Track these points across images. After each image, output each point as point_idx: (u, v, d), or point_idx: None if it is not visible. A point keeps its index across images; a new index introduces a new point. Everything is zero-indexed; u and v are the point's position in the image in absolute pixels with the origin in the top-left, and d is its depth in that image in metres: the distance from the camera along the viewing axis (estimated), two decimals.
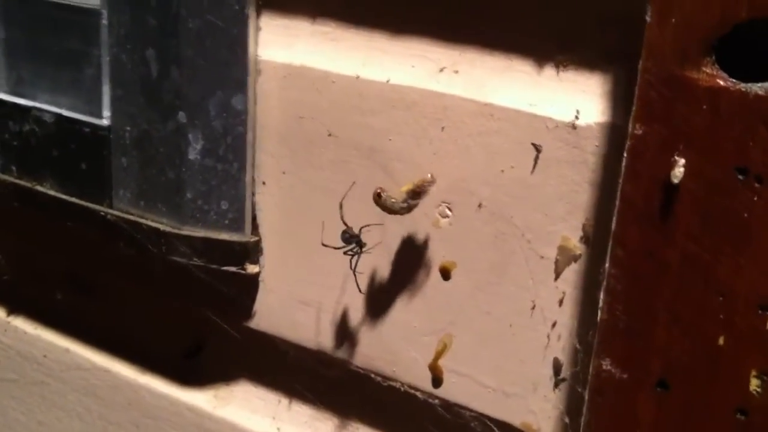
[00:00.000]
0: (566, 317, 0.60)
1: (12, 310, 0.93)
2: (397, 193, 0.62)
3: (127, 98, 0.72)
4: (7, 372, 0.94)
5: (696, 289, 0.50)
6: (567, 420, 0.60)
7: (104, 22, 0.71)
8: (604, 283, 0.53)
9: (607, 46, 0.56)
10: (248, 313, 0.75)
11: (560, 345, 0.61)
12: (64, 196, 0.77)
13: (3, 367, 0.94)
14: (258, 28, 0.69)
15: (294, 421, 0.77)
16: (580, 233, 0.59)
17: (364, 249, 0.65)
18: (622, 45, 0.55)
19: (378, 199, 0.61)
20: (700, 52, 0.48)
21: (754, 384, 0.50)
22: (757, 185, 0.48)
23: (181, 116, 0.69)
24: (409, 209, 0.62)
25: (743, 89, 0.47)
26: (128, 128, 0.72)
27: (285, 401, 0.77)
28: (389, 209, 0.61)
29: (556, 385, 0.60)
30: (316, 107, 0.67)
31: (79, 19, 0.73)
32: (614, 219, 0.52)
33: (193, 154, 0.69)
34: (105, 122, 0.73)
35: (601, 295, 0.54)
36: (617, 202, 0.52)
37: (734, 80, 0.47)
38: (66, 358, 0.89)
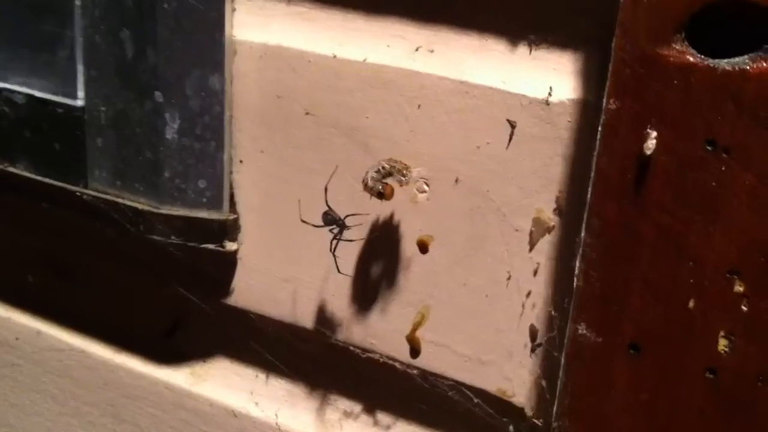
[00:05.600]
0: (541, 286, 0.63)
1: None
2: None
3: (101, 79, 0.72)
4: None
5: (667, 256, 0.53)
6: (544, 383, 0.62)
7: (77, 3, 0.71)
8: (580, 251, 0.56)
9: (578, 26, 0.58)
10: (226, 291, 0.76)
11: (535, 313, 0.63)
12: (38, 177, 0.77)
13: None
14: (233, 9, 0.70)
15: (271, 396, 0.78)
16: (554, 205, 0.61)
17: (344, 232, 0.66)
18: (593, 24, 0.57)
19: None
20: (672, 31, 0.50)
21: (722, 344, 0.53)
22: (724, 156, 0.50)
23: (158, 96, 0.69)
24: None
25: (712, 65, 0.50)
26: (103, 108, 0.72)
27: (262, 376, 0.79)
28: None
29: (532, 351, 0.63)
30: (293, 86, 0.68)
31: (51, 1, 0.73)
32: (590, 190, 0.55)
33: (170, 134, 0.70)
34: (79, 103, 0.74)
35: (577, 264, 0.56)
36: (592, 174, 0.55)
37: (703, 57, 0.50)
38: (38, 340, 0.89)
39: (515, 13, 0.60)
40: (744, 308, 0.52)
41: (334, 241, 0.66)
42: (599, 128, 0.54)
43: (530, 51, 0.60)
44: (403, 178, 0.64)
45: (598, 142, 0.54)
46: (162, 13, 0.68)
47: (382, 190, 0.63)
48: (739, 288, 0.52)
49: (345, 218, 0.66)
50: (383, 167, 0.64)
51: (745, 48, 0.49)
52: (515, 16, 0.60)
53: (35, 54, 0.75)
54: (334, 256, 0.67)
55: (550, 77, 0.59)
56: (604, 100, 0.53)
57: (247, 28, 0.70)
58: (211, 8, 0.68)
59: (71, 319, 0.87)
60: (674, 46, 0.50)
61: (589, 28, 0.58)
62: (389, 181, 0.64)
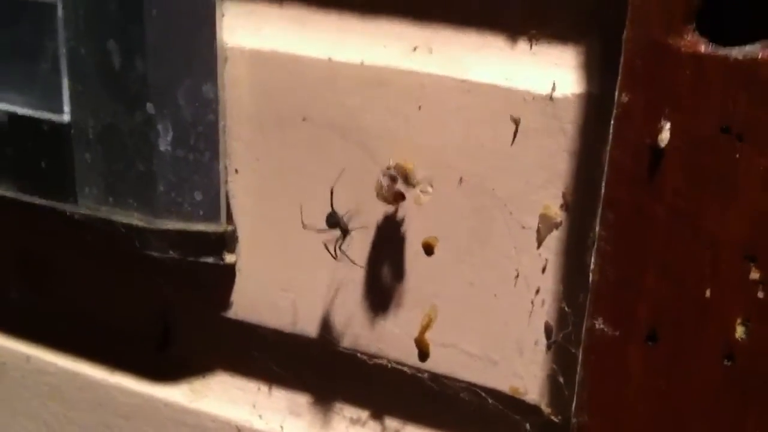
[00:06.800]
0: (549, 282, 0.62)
1: None
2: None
3: (88, 92, 0.70)
4: None
5: (684, 245, 0.53)
6: (561, 380, 0.62)
7: (59, 15, 0.69)
8: (595, 245, 0.56)
9: (578, 19, 0.58)
10: (225, 303, 0.75)
11: (545, 310, 0.63)
12: (24, 198, 0.74)
13: None
14: (221, 14, 0.68)
15: (275, 407, 0.77)
16: (560, 201, 0.61)
17: (348, 235, 0.65)
18: (594, 16, 0.57)
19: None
20: (683, 20, 0.50)
21: (739, 331, 0.53)
22: (738, 143, 0.51)
23: (149, 107, 0.68)
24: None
25: (723, 54, 0.50)
26: (91, 123, 0.71)
27: (265, 388, 0.78)
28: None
29: (548, 348, 0.63)
30: (288, 92, 0.67)
31: (31, 14, 0.71)
32: (603, 184, 0.55)
33: (163, 146, 0.69)
34: (65, 118, 0.72)
35: (592, 258, 0.56)
36: (606, 168, 0.54)
37: (714, 46, 0.50)
38: (27, 365, 0.86)
39: (513, 8, 0.60)
40: (760, 295, 0.53)
41: (338, 243, 0.65)
42: (612, 121, 0.53)
43: (531, 46, 0.60)
44: (410, 180, 0.63)
45: (610, 134, 0.54)
46: (149, 20, 0.66)
47: (394, 197, 0.63)
48: (755, 274, 0.52)
49: (344, 216, 0.65)
50: (392, 174, 0.63)
51: (757, 34, 0.49)
52: (514, 12, 0.60)
53: (16, 68, 0.73)
54: (336, 255, 0.65)
55: (552, 72, 0.59)
56: (616, 93, 0.53)
57: (239, 33, 0.68)
58: (201, 14, 0.67)
59: (61, 341, 0.85)
60: (686, 35, 0.50)
61: (590, 19, 0.57)
62: (399, 186, 0.63)
